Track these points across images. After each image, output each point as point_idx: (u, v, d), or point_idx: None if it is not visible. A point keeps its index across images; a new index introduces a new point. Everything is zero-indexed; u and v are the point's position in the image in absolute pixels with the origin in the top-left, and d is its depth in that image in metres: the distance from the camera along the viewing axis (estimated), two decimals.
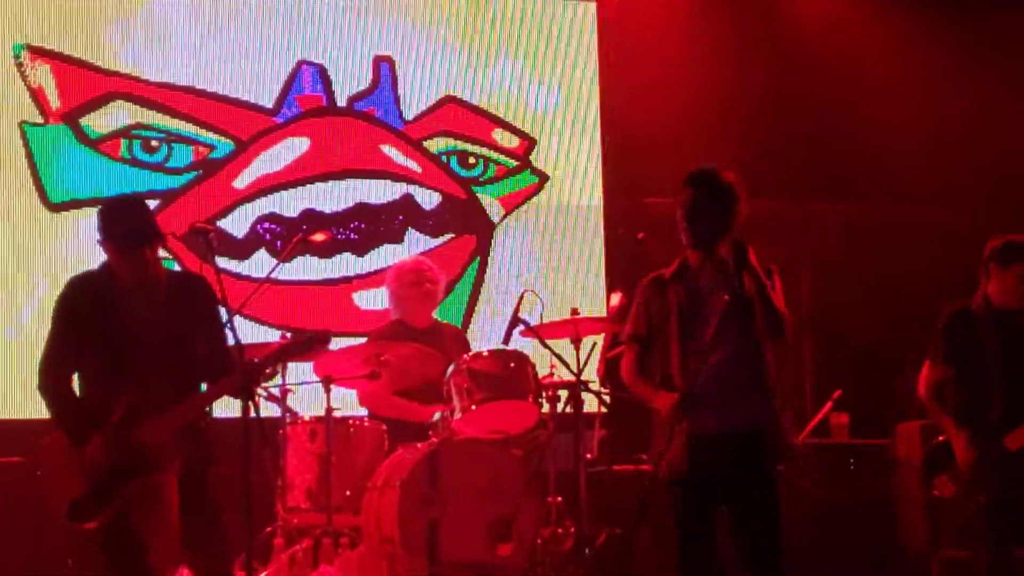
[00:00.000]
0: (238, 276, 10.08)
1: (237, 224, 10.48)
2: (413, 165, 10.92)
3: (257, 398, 6.42)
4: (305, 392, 9.05)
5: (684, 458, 6.62)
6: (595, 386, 9.05)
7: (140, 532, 6.55)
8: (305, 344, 6.90)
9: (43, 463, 6.72)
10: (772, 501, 6.68)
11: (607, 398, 9.03)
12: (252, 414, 6.47)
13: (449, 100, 11.03)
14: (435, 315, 9.55)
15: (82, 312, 6.66)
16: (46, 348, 6.73)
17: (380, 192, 10.85)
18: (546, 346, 8.84)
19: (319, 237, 9.67)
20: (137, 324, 6.61)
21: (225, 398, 6.69)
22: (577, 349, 8.84)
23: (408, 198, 10.89)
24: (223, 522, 6.51)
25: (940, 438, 8.25)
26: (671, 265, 6.84)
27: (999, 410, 7.96)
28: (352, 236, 10.73)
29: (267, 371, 6.88)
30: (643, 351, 6.86)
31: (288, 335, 9.12)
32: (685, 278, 6.78)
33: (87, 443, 6.52)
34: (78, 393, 6.70)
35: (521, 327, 8.91)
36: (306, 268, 10.49)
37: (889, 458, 10.35)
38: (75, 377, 6.71)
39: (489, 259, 10.99)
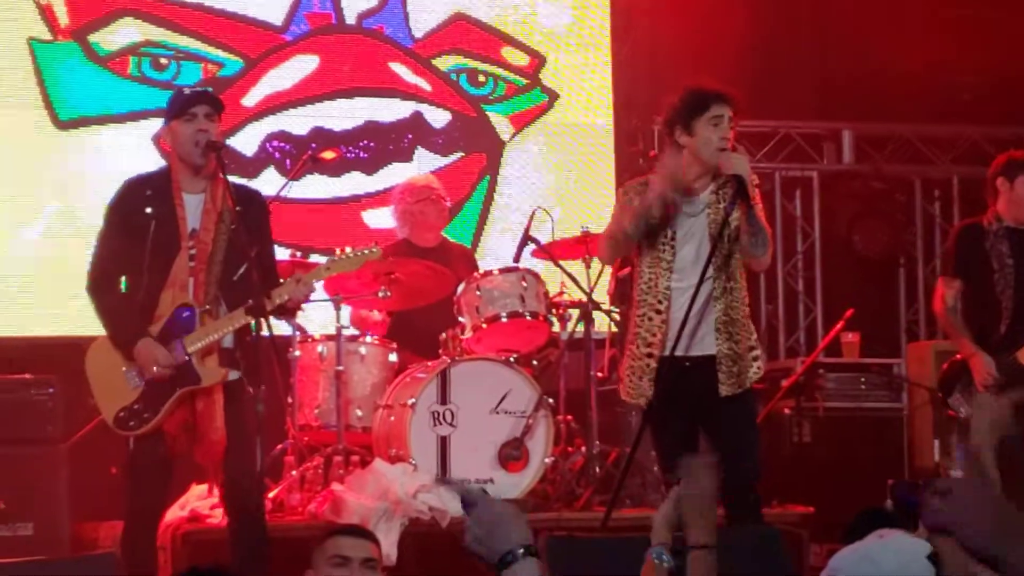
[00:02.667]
0: None
1: (246, 142, 10.44)
2: (422, 83, 10.86)
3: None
4: (315, 310, 9.05)
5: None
6: (606, 305, 9.05)
7: (171, 450, 6.56)
8: (356, 259, 6.86)
9: (89, 370, 6.71)
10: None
11: (618, 317, 9.01)
12: (264, 332, 6.47)
13: (459, 17, 10.95)
14: (444, 234, 9.54)
15: (134, 213, 6.60)
16: (96, 249, 6.68)
17: (389, 110, 10.79)
18: (557, 265, 8.84)
19: (328, 155, 9.67)
20: (187, 230, 6.56)
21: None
22: (588, 268, 8.83)
23: (417, 116, 10.84)
24: (255, 441, 6.49)
25: (957, 356, 8.27)
26: None
27: (1008, 323, 7.99)
28: (361, 155, 10.69)
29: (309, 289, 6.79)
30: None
31: (297, 254, 9.14)
32: None
33: (134, 348, 6.49)
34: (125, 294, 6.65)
35: (532, 245, 8.90)
36: (315, 187, 10.45)
37: (900, 377, 10.37)
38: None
39: (499, 177, 10.94)
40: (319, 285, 7.51)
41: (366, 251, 6.96)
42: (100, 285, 6.69)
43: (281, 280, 6.77)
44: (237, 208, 6.57)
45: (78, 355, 6.84)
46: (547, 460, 8.38)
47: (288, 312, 6.90)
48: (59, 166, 10.14)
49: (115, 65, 10.26)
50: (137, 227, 6.57)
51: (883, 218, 11.48)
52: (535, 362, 8.83)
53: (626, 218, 6.79)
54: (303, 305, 7.01)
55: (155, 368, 6.49)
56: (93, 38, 10.24)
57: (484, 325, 8.56)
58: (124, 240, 6.61)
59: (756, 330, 7.12)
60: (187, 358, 6.52)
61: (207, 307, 6.55)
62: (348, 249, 7.03)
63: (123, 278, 6.69)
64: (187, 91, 6.80)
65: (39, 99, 10.15)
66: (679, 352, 6.67)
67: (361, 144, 10.68)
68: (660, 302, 6.80)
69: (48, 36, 10.19)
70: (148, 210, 6.59)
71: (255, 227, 6.66)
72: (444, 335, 8.66)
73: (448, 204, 9.49)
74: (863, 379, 10.27)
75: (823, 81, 11.74)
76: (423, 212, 9.25)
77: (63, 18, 10.21)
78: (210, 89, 7.07)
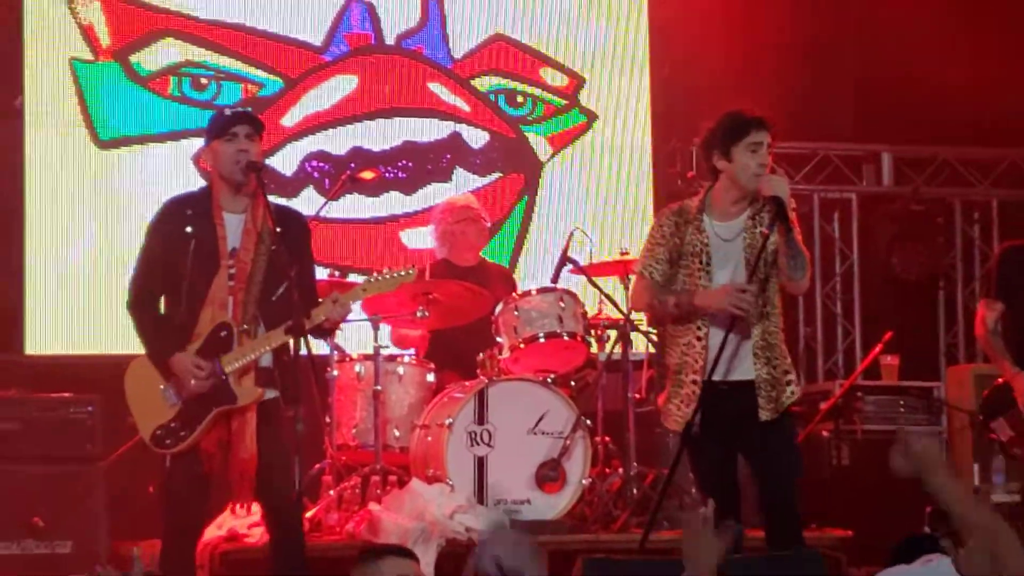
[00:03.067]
0: None
1: (286, 162, 10.46)
2: (461, 103, 10.88)
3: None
4: (353, 329, 9.06)
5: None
6: (644, 326, 9.03)
7: (208, 469, 6.57)
8: (393, 280, 6.85)
9: (128, 388, 6.73)
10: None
11: (655, 338, 9.00)
12: (303, 352, 6.47)
13: (498, 38, 10.96)
14: (483, 255, 9.54)
15: (175, 232, 6.62)
16: (136, 267, 6.71)
17: (428, 130, 10.81)
18: (595, 285, 8.84)
19: (367, 175, 9.68)
20: (227, 250, 6.58)
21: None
22: (626, 288, 8.82)
23: (456, 136, 10.85)
24: (293, 461, 6.49)
25: (999, 380, 8.23)
26: None
27: None
28: (400, 175, 10.71)
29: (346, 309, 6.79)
30: None
31: (336, 273, 9.16)
32: None
33: (171, 365, 6.51)
34: (164, 313, 6.67)
35: (570, 266, 8.90)
36: (354, 206, 10.47)
37: (939, 400, 10.32)
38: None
39: (537, 198, 10.94)
40: (357, 305, 7.53)
41: (402, 272, 6.96)
42: (140, 302, 6.72)
43: (319, 300, 6.78)
44: (277, 228, 6.58)
45: (119, 374, 6.87)
46: (584, 481, 8.37)
47: (325, 332, 6.91)
48: (100, 185, 10.19)
49: (156, 85, 10.32)
50: (177, 246, 6.59)
51: (922, 240, 11.43)
52: (573, 383, 8.83)
53: (671, 301, 6.77)
54: (341, 325, 7.02)
55: (193, 380, 6.50)
56: (134, 58, 10.29)
57: (522, 345, 8.56)
58: (164, 259, 6.64)
59: (794, 352, 7.12)
60: (223, 377, 6.53)
61: (245, 327, 6.56)
62: (385, 271, 7.03)
63: (162, 296, 6.71)
64: (228, 111, 6.83)
65: (80, 119, 10.21)
66: (716, 377, 6.66)
67: (400, 164, 10.70)
68: (699, 328, 6.78)
69: (90, 56, 10.24)
70: (188, 229, 6.61)
71: (295, 247, 6.67)
72: (482, 355, 8.66)
73: (487, 224, 9.51)
74: (902, 402, 10.22)
75: (862, 103, 11.71)
76: (463, 232, 9.26)
77: (104, 38, 10.27)
78: (250, 109, 7.09)
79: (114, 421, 8.24)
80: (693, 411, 6.71)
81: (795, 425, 6.91)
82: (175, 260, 6.59)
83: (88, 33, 10.24)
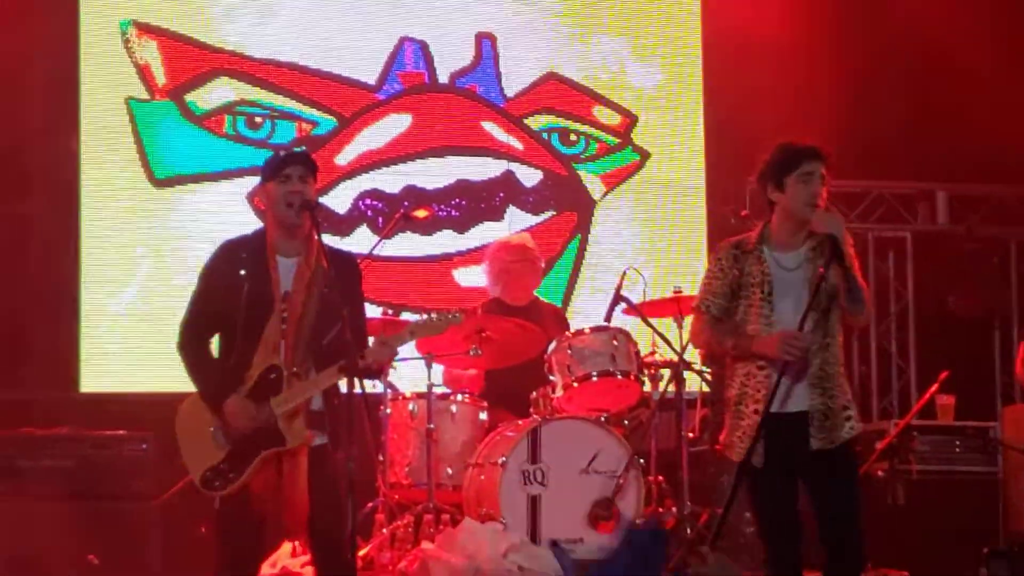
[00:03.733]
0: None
1: (339, 200, 10.51)
2: (514, 142, 10.90)
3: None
4: (406, 368, 9.06)
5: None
6: (697, 365, 9.00)
7: (259, 510, 6.57)
8: (441, 324, 6.85)
9: (178, 430, 6.74)
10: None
11: (709, 377, 8.97)
12: (356, 390, 6.47)
13: (551, 77, 10.99)
14: (535, 293, 9.53)
15: (229, 275, 6.63)
16: (188, 308, 6.72)
17: (481, 169, 10.84)
18: (648, 324, 8.81)
19: (421, 214, 9.70)
20: (280, 293, 6.60)
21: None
22: (680, 328, 8.81)
23: (509, 175, 10.88)
24: (346, 503, 6.48)
25: None
26: None
27: None
28: (453, 213, 10.73)
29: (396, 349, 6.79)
30: None
31: (389, 311, 9.17)
32: None
33: (222, 406, 6.52)
34: (217, 355, 6.70)
35: (623, 304, 8.88)
36: (407, 245, 10.49)
37: (995, 440, 10.24)
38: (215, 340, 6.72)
39: (590, 236, 10.95)
40: (410, 343, 7.48)
41: (449, 316, 6.95)
42: (190, 344, 6.73)
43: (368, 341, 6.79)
44: (330, 270, 6.59)
45: (172, 411, 6.88)
46: (638, 521, 8.33)
47: (374, 374, 6.91)
48: (154, 224, 10.26)
49: (211, 124, 10.38)
50: (231, 289, 6.61)
51: (978, 279, 11.37)
52: (626, 421, 8.80)
53: (728, 343, 6.75)
54: (393, 364, 7.00)
55: (243, 424, 6.51)
56: (189, 97, 10.37)
57: (575, 384, 8.54)
58: (217, 301, 6.65)
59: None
60: (273, 419, 6.54)
61: (295, 369, 6.57)
62: (433, 314, 7.04)
63: (215, 338, 6.73)
64: (282, 153, 6.85)
65: (136, 157, 10.29)
66: (774, 408, 6.62)
67: (453, 202, 10.73)
68: (758, 360, 6.74)
69: (146, 96, 10.32)
70: (242, 272, 6.63)
71: (347, 290, 6.67)
72: (535, 394, 8.66)
73: (542, 265, 9.50)
74: (958, 442, 10.15)
75: (916, 141, 11.66)
76: (519, 272, 9.26)
77: (160, 78, 10.35)
78: (304, 148, 7.11)
79: (168, 458, 8.26)
80: (752, 441, 6.66)
81: (854, 458, 6.82)
82: (229, 303, 6.60)
83: (144, 72, 10.33)
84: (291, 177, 6.62)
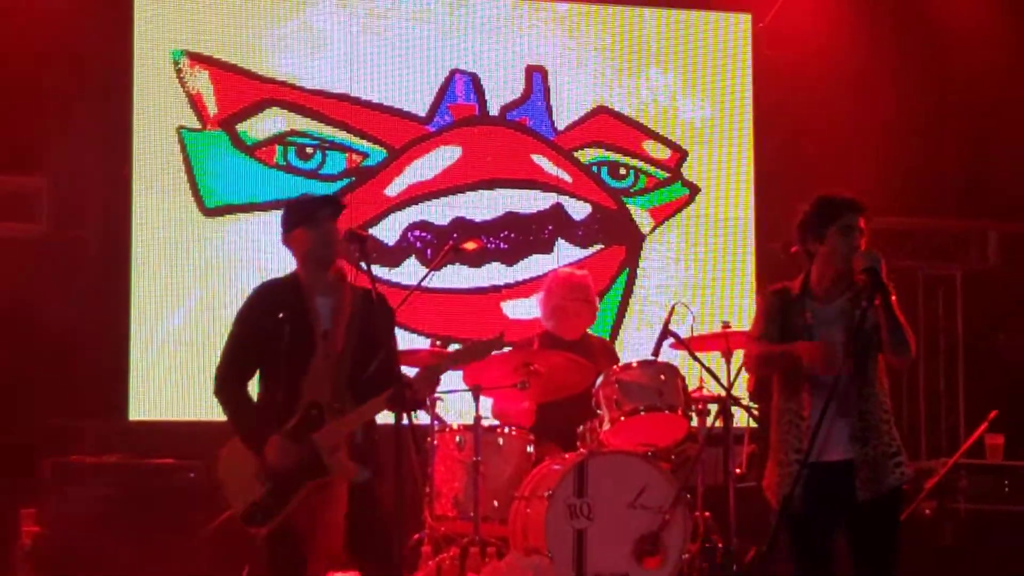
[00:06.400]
0: (388, 283, 10.13)
1: (388, 231, 10.54)
2: (563, 175, 10.92)
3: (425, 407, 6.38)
4: (453, 400, 9.06)
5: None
6: (745, 400, 8.97)
7: (302, 540, 6.58)
8: (483, 349, 6.87)
9: (221, 468, 6.78)
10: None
11: (757, 413, 8.94)
12: (404, 421, 6.49)
13: (601, 110, 11.01)
14: None
15: (265, 317, 6.70)
16: (224, 352, 6.78)
17: (530, 201, 10.86)
18: (696, 359, 8.77)
19: (470, 246, 9.67)
20: (320, 331, 6.65)
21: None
22: (728, 363, 8.78)
23: (558, 208, 10.89)
24: (391, 537, 6.50)
25: None
26: None
27: None
28: (502, 245, 10.75)
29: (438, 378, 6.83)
30: None
31: (437, 343, 9.17)
32: None
33: (263, 447, 6.56)
34: (257, 396, 6.74)
35: (671, 339, 8.86)
36: (455, 277, 10.51)
37: None
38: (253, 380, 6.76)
39: (638, 270, 10.95)
40: (458, 375, 7.47)
41: (492, 342, 6.98)
42: (228, 388, 6.77)
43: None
44: (366, 309, 6.66)
45: (221, 440, 6.90)
46: (684, 556, 8.30)
47: (419, 403, 6.94)
48: (203, 253, 10.31)
49: (262, 154, 10.43)
50: (271, 332, 6.67)
51: None
52: (673, 456, 8.76)
53: (777, 351, 6.75)
54: (442, 396, 7.01)
55: (285, 463, 6.55)
56: (241, 127, 10.42)
57: (622, 418, 8.52)
58: (256, 345, 6.72)
59: (898, 430, 7.01)
60: (317, 453, 6.57)
61: (336, 405, 6.61)
62: (475, 341, 7.06)
63: (256, 379, 6.78)
64: (309, 199, 6.93)
65: (187, 186, 10.34)
66: (813, 457, 6.60)
67: (502, 235, 10.74)
68: (802, 407, 6.74)
69: (197, 125, 10.38)
70: (281, 315, 6.69)
71: (380, 328, 6.73)
72: (582, 427, 8.64)
73: (597, 304, 9.46)
74: (1007, 481, 10.09)
75: (968, 179, 11.62)
76: (576, 312, 9.21)
77: (212, 107, 10.41)
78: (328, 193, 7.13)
79: (216, 487, 8.28)
80: (792, 487, 6.64)
81: (899, 506, 6.78)
82: (270, 346, 6.66)
83: (196, 102, 10.39)
84: (323, 219, 6.71)
